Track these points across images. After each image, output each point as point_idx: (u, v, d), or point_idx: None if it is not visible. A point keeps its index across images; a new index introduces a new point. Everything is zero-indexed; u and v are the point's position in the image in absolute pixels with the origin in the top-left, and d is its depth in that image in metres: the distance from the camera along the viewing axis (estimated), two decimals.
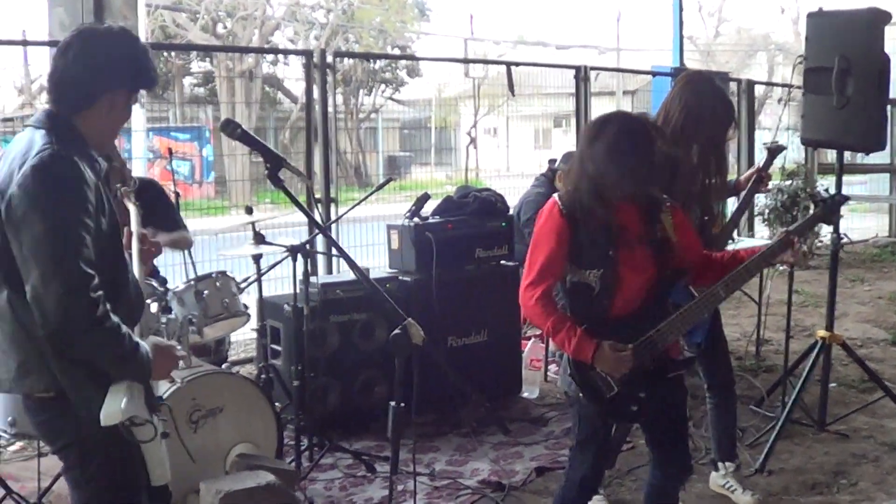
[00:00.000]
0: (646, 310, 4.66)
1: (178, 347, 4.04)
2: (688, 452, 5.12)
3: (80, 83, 3.78)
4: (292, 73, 40.25)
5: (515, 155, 27.64)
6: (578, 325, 4.55)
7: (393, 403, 4.16)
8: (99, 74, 3.79)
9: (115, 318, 3.55)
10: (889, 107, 16.93)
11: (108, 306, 3.54)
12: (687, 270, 4.86)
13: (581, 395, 4.65)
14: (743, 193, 6.39)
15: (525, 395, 8.63)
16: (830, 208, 5.20)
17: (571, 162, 4.81)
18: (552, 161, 10.22)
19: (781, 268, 7.47)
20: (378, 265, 8.80)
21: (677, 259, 4.76)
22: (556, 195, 4.70)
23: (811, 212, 5.37)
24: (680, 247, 4.75)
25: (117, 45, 3.84)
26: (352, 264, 4.41)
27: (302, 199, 9.22)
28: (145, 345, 3.71)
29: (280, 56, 37.60)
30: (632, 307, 4.64)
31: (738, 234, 7.92)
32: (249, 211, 7.13)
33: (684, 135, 5.69)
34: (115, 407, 3.59)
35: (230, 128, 4.02)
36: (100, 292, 3.51)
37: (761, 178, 6.25)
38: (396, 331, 4.04)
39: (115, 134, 4.10)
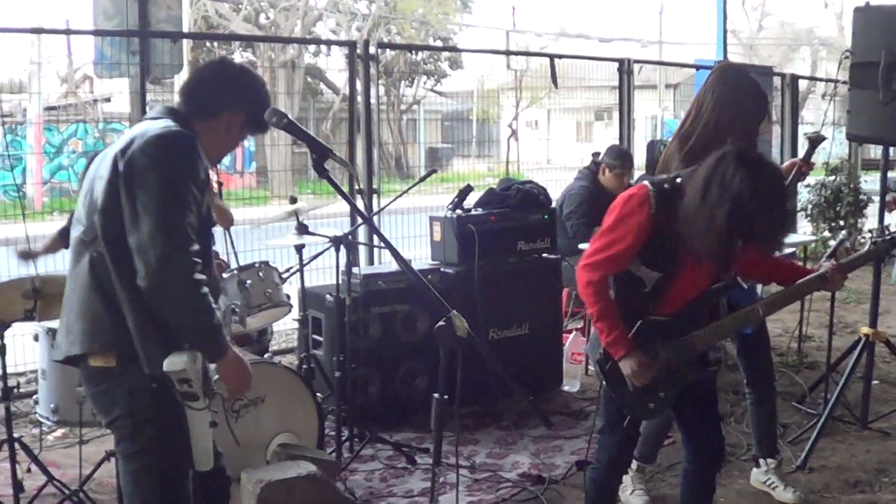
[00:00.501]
0: (686, 314, 4.64)
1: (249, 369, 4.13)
2: (720, 436, 5.06)
3: (210, 92, 4.09)
4: (334, 64, 40.31)
5: (556, 147, 27.58)
6: (621, 317, 4.54)
7: (437, 395, 4.15)
8: (229, 91, 4.10)
9: (206, 289, 3.74)
10: None
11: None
12: (740, 272, 4.85)
13: (604, 382, 4.67)
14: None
15: (566, 388, 8.62)
16: (884, 250, 5.19)
17: (703, 174, 4.40)
18: (595, 154, 10.20)
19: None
20: (418, 257, 8.79)
21: (742, 264, 4.77)
22: (648, 183, 4.51)
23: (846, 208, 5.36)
24: (744, 255, 4.68)
25: (250, 75, 4.30)
26: (396, 255, 4.41)
27: (345, 189, 9.27)
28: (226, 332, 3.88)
29: (322, 47, 37.62)
30: (673, 311, 4.62)
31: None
32: (294, 201, 7.15)
33: (718, 129, 5.60)
34: (179, 358, 3.73)
35: (277, 117, 4.03)
36: (199, 259, 3.72)
37: (801, 167, 6.23)
38: (441, 323, 4.03)
39: (223, 155, 4.34)
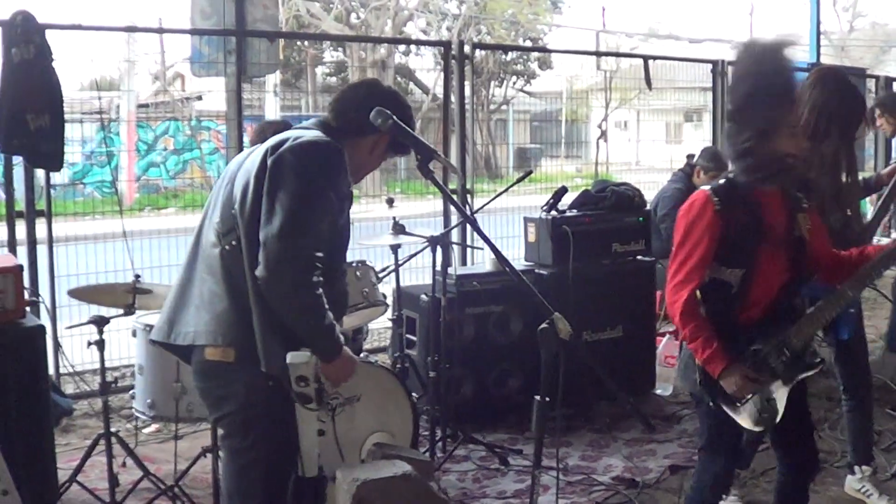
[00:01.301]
0: (776, 312, 4.61)
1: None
2: (814, 448, 5.02)
3: (359, 112, 4.15)
4: (424, 64, 40.45)
5: (645, 149, 27.45)
6: (715, 332, 4.49)
7: (538, 398, 4.15)
8: (366, 119, 4.11)
9: (322, 292, 3.80)
10: None
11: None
12: (817, 272, 4.80)
13: (712, 403, 4.61)
14: (887, 189, 6.25)
15: (658, 391, 8.59)
16: None
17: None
18: (690, 156, 10.15)
19: None
20: (510, 257, 8.78)
21: (810, 261, 4.72)
22: (707, 188, 4.57)
23: None
24: (813, 249, 4.70)
25: (400, 97, 4.43)
26: (500, 256, 4.43)
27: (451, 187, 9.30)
28: (342, 336, 3.96)
29: (412, 47, 37.74)
30: (763, 308, 4.58)
31: (883, 233, 7.75)
32: (391, 202, 7.19)
33: (815, 133, 5.57)
34: (303, 355, 3.82)
35: (382, 118, 4.05)
36: (319, 264, 3.79)
37: None
38: (544, 325, 4.04)
39: (363, 174, 4.43)
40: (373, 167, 4.41)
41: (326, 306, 3.83)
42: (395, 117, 4.09)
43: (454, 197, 9.38)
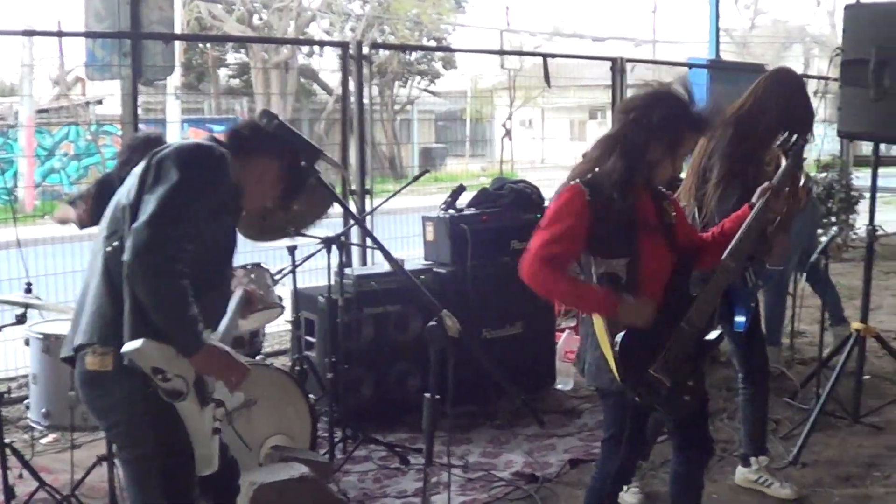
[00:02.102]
0: (671, 298, 4.66)
1: (243, 363, 4.09)
2: (708, 433, 5.12)
3: (252, 133, 4.13)
4: (327, 65, 40.35)
5: (550, 147, 27.63)
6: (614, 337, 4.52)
7: (428, 395, 4.16)
8: (268, 138, 4.10)
9: (187, 283, 3.73)
10: None
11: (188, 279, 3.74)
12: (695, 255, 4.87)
13: (637, 397, 4.63)
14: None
15: (559, 386, 8.63)
16: (795, 152, 5.14)
17: (598, 148, 4.75)
18: (584, 155, 10.22)
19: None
20: (412, 257, 8.80)
21: (683, 246, 4.79)
22: (578, 180, 4.59)
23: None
24: (681, 235, 4.79)
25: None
26: (388, 256, 4.42)
27: (338, 190, 9.26)
28: (207, 333, 3.86)
29: (315, 47, 37.66)
30: (656, 295, 4.62)
31: None
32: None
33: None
34: (133, 343, 3.72)
35: (267, 119, 4.04)
36: (186, 257, 3.72)
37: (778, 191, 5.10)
38: (432, 322, 4.05)
39: (254, 201, 4.25)
40: (263, 195, 4.24)
41: (190, 299, 3.74)
42: (279, 118, 4.07)
43: (349, 198, 9.47)
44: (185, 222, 3.73)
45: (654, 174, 4.61)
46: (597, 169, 4.61)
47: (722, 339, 5.11)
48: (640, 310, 4.53)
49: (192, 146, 3.94)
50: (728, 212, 5.25)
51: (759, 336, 6.40)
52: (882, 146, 7.90)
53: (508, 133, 25.85)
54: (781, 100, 5.93)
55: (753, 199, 4.83)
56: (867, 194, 7.68)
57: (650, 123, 4.49)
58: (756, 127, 5.91)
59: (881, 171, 7.78)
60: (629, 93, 13.31)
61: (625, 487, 6.20)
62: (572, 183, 4.60)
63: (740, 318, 5.88)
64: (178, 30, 15.54)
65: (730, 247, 4.73)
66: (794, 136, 5.07)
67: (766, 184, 4.86)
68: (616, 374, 4.58)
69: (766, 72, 6.44)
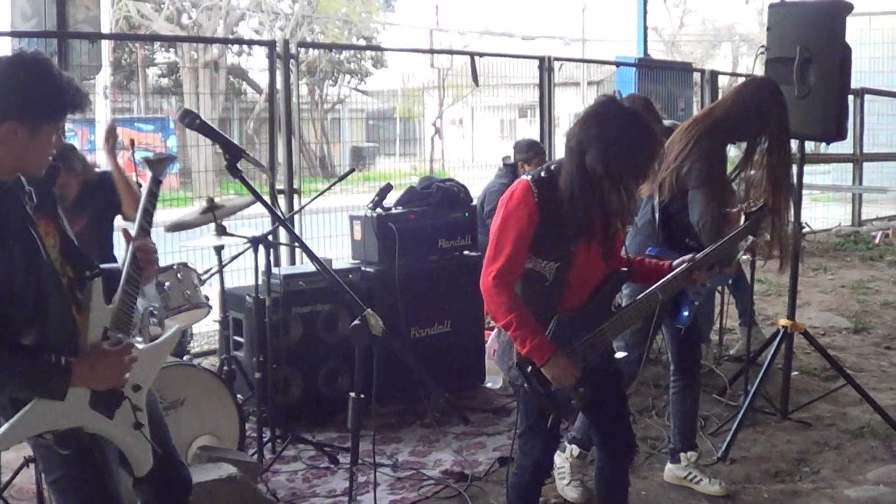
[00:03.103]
0: (592, 307, 4.67)
1: (134, 347, 3.96)
2: (630, 430, 5.13)
3: None
4: (257, 64, 40.15)
5: (481, 145, 27.66)
6: (536, 322, 4.53)
7: (353, 394, 4.14)
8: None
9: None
10: (851, 97, 17.10)
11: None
12: (629, 271, 4.88)
13: (525, 386, 4.63)
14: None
15: (488, 385, 8.63)
16: (754, 221, 5.30)
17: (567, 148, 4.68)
18: (506, 158, 10.28)
19: (744, 256, 7.50)
20: (342, 256, 8.77)
21: (618, 259, 4.83)
22: (527, 177, 4.56)
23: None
24: (619, 247, 4.83)
25: (11, 74, 3.69)
26: (311, 255, 4.39)
27: (264, 190, 9.20)
28: (64, 359, 3.69)
29: (245, 46, 37.47)
30: (579, 302, 4.64)
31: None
32: (211, 202, 7.07)
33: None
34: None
35: (189, 118, 3.99)
36: None
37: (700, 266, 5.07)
38: (356, 322, 4.03)
39: (35, 163, 3.84)
40: (37, 153, 3.79)
41: (14, 360, 3.64)
42: (201, 117, 4.02)
43: (276, 197, 9.43)
44: None
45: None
46: (552, 167, 4.58)
47: (630, 360, 5.17)
48: (563, 374, 4.55)
49: None
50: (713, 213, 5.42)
51: (695, 330, 6.44)
52: (811, 143, 7.97)
53: (439, 132, 25.89)
54: (765, 109, 6.01)
55: (674, 263, 4.89)
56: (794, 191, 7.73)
57: (605, 155, 4.36)
58: (738, 132, 6.02)
59: (808, 168, 7.85)
60: (558, 91, 13.38)
61: (567, 479, 6.24)
62: (523, 178, 4.58)
63: (685, 314, 5.94)
64: (106, 29, 15.44)
65: (662, 282, 4.81)
66: (761, 205, 5.19)
67: (689, 256, 4.92)
68: (514, 360, 4.59)
69: (695, 69, 6.55)
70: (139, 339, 4.21)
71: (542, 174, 4.55)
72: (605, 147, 4.33)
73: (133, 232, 4.06)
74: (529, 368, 4.56)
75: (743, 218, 5.38)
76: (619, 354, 4.94)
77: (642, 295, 4.79)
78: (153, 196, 4.11)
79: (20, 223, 3.72)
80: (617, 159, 4.33)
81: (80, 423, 3.78)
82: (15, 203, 3.74)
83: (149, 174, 4.13)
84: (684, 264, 4.86)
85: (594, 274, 4.68)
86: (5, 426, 3.68)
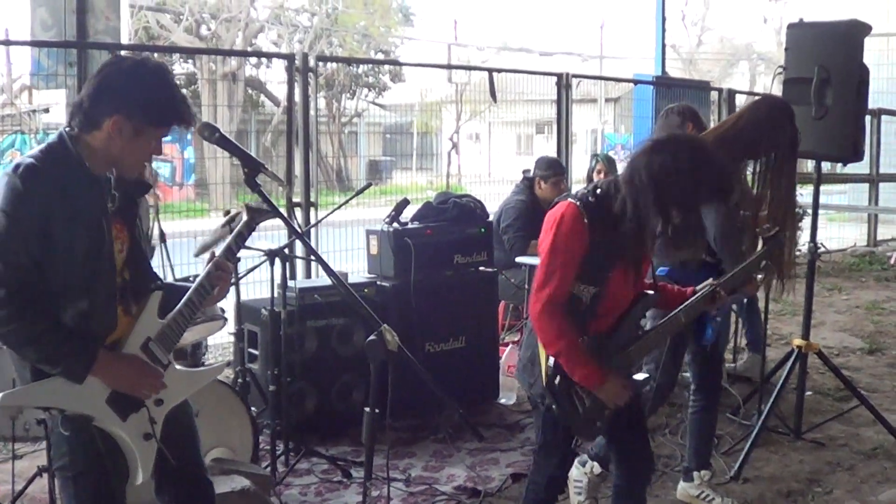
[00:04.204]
0: (619, 329, 4.69)
1: (167, 372, 4.09)
2: (649, 449, 5.14)
3: (91, 101, 3.86)
4: (275, 77, 40.27)
5: (497, 161, 27.68)
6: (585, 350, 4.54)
7: (367, 409, 4.15)
8: (103, 97, 3.86)
9: (38, 319, 3.70)
10: (868, 117, 17.08)
11: (20, 300, 3.67)
12: (655, 294, 4.91)
13: (555, 406, 4.63)
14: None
15: (502, 401, 8.63)
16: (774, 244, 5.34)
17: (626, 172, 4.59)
18: (526, 171, 10.29)
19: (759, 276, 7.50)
20: (358, 270, 8.78)
21: (643, 284, 4.86)
22: (575, 200, 4.52)
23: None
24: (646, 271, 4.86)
25: (132, 73, 3.90)
26: (327, 269, 4.41)
27: (281, 203, 9.22)
28: (92, 345, 3.82)
29: (263, 59, 37.56)
30: (607, 325, 4.66)
31: None
32: (227, 214, 7.08)
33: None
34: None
35: (208, 131, 4.00)
36: (32, 290, 3.68)
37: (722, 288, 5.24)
38: (371, 337, 4.04)
39: (131, 163, 4.02)
40: (136, 154, 3.98)
41: (49, 334, 3.73)
42: (221, 130, 4.04)
43: (294, 210, 9.45)
44: (14, 262, 3.66)
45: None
46: (599, 191, 4.56)
47: (647, 384, 5.19)
48: (619, 394, 4.60)
49: (2, 181, 3.76)
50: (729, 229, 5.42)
51: (719, 349, 6.46)
52: (827, 164, 7.97)
53: (455, 147, 25.87)
54: (775, 128, 6.02)
55: (697, 288, 4.91)
56: (811, 211, 7.74)
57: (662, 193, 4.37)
58: (747, 149, 6.03)
59: (825, 188, 7.85)
60: (575, 108, 13.39)
61: (583, 498, 6.23)
62: (570, 202, 4.53)
63: (709, 332, 5.94)
64: (125, 39, 15.44)
65: (684, 307, 4.85)
66: (776, 230, 5.21)
67: (710, 280, 4.96)
68: (543, 375, 4.60)
69: (712, 88, 6.59)
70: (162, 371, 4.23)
71: (591, 198, 4.50)
72: (672, 180, 4.33)
73: (218, 252, 4.25)
74: (558, 385, 4.57)
75: (760, 243, 5.39)
76: (639, 376, 4.93)
77: (666, 318, 4.83)
78: (242, 238, 4.33)
79: (96, 213, 3.87)
80: (681, 193, 4.35)
81: (92, 413, 3.84)
82: (98, 195, 3.91)
83: (245, 218, 4.30)
84: (706, 288, 4.88)
85: (625, 298, 4.71)
86: (20, 388, 3.81)
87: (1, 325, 3.66)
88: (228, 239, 4.29)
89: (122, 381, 3.91)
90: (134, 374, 3.95)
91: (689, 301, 4.85)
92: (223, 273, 4.23)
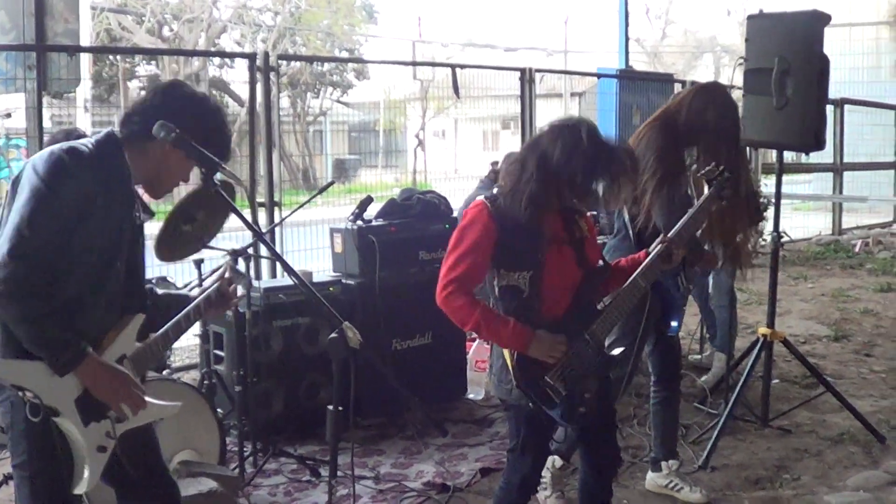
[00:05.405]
0: (575, 310, 4.69)
1: (143, 395, 4.05)
2: (615, 444, 5.16)
3: (144, 116, 3.95)
4: (238, 77, 40.15)
5: (464, 157, 27.68)
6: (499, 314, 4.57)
7: (331, 407, 4.15)
8: (169, 118, 3.92)
9: (47, 303, 3.67)
10: (832, 107, 17.19)
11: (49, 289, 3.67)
12: (605, 266, 4.94)
13: (532, 405, 4.64)
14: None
15: (470, 396, 8.64)
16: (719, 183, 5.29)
17: (511, 163, 4.78)
18: (494, 163, 10.27)
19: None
20: (324, 269, 8.77)
21: (593, 262, 4.85)
22: (482, 197, 4.68)
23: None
24: (590, 252, 4.85)
25: (196, 99, 4.08)
26: (288, 269, 4.41)
27: (243, 204, 9.18)
28: (85, 345, 3.79)
29: (226, 59, 37.42)
30: (561, 308, 4.67)
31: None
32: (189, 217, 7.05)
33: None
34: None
35: (164, 131, 3.97)
36: (48, 271, 3.65)
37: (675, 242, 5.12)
38: (333, 335, 4.03)
39: (167, 184, 4.14)
40: (175, 177, 4.14)
41: (52, 319, 3.70)
42: (177, 130, 4.01)
43: (257, 210, 9.41)
44: (38, 237, 3.64)
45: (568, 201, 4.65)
46: (502, 183, 4.67)
47: (626, 356, 5.19)
48: (551, 346, 4.58)
49: (46, 155, 3.78)
50: (674, 212, 5.38)
51: (677, 340, 6.47)
52: (792, 153, 7.99)
53: (421, 143, 25.89)
54: (711, 111, 6.01)
55: (651, 248, 4.92)
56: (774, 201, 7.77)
57: (552, 160, 4.52)
58: (687, 132, 6.02)
59: (790, 178, 7.89)
60: (540, 102, 13.39)
61: (550, 491, 6.24)
62: (477, 199, 4.68)
63: (674, 323, 5.97)
64: (87, 41, 15.33)
65: (642, 268, 4.83)
66: (721, 169, 5.18)
67: (662, 236, 4.95)
68: (513, 382, 4.60)
69: (676, 80, 6.60)
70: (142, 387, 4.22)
71: (496, 191, 4.67)
72: (551, 154, 4.50)
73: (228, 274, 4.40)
74: (532, 385, 4.59)
75: (706, 186, 5.34)
76: (616, 351, 4.94)
77: (625, 285, 4.80)
78: (209, 300, 4.38)
79: (126, 219, 3.97)
80: (560, 163, 4.48)
81: (59, 406, 3.80)
82: (132, 202, 4.00)
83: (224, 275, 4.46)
84: (659, 247, 4.88)
85: (571, 279, 4.72)
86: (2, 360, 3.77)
87: (6, 286, 3.59)
88: (199, 298, 4.34)
89: (104, 391, 3.88)
90: (119, 386, 3.92)
91: (645, 263, 4.85)
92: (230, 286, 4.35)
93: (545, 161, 4.51)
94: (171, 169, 4.06)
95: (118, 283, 3.98)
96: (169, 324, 4.19)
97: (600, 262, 4.92)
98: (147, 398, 4.08)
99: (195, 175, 4.18)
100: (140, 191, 4.11)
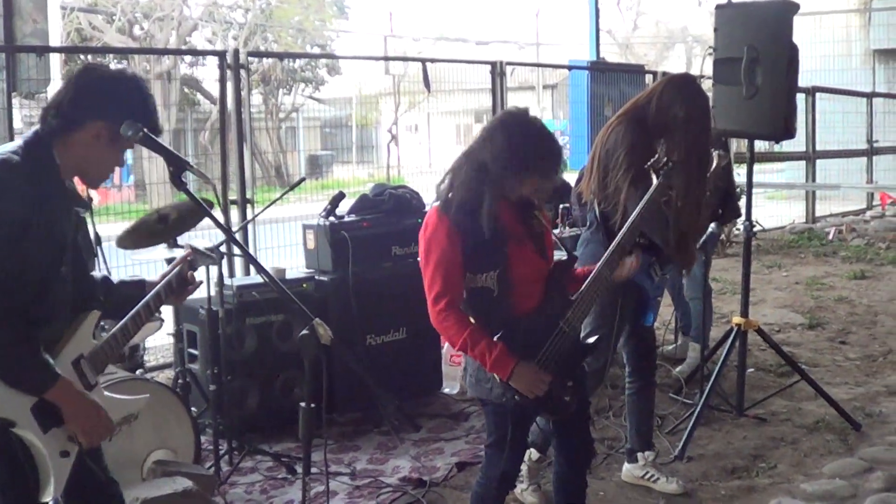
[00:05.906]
0: (548, 302, 4.68)
1: (112, 423, 4.01)
2: (589, 435, 5.17)
3: (71, 104, 3.83)
4: (210, 74, 39.99)
5: (437, 151, 27.64)
6: (491, 336, 4.53)
7: (303, 404, 4.13)
8: (85, 101, 3.84)
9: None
10: (803, 96, 17.22)
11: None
12: (574, 261, 4.96)
13: (517, 397, 4.62)
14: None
15: (446, 390, 8.64)
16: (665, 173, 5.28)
17: (448, 171, 4.76)
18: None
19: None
20: (298, 265, 8.74)
21: (550, 255, 4.87)
22: (435, 203, 4.66)
23: None
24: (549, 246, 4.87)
25: (110, 79, 3.92)
26: (258, 267, 4.37)
27: (213, 199, 9.14)
28: (56, 371, 3.74)
29: (198, 57, 37.32)
30: (534, 300, 4.66)
31: None
32: (162, 216, 7.02)
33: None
34: None
35: (133, 130, 3.93)
36: (8, 294, 3.57)
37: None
38: (304, 331, 4.01)
39: (104, 168, 4.03)
40: (105, 165, 4.00)
41: (22, 342, 3.65)
42: (145, 129, 3.97)
43: (230, 208, 9.37)
44: None
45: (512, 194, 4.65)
46: (453, 185, 4.64)
47: (601, 343, 5.20)
48: (533, 382, 4.57)
49: None
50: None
51: (649, 334, 6.47)
52: (765, 142, 8.01)
53: (394, 138, 25.83)
54: (680, 105, 5.99)
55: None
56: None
57: (493, 152, 4.55)
58: (656, 126, 6.00)
59: (763, 167, 7.92)
60: (513, 95, 13.39)
61: (526, 484, 6.24)
62: (433, 206, 4.66)
63: (650, 316, 6.00)
64: (57, 41, 15.29)
65: (605, 258, 4.85)
66: (665, 159, 5.16)
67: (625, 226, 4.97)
68: (496, 380, 4.59)
69: (647, 71, 6.58)
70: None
71: (448, 195, 4.62)
72: (493, 150, 4.54)
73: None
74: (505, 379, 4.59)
75: (654, 176, 5.32)
76: (591, 340, 4.95)
77: (592, 274, 4.80)
78: (169, 287, 4.26)
79: (66, 222, 3.89)
80: (501, 158, 4.51)
81: (14, 417, 3.72)
82: (68, 204, 3.91)
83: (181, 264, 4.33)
84: (621, 230, 4.90)
85: (537, 272, 4.72)
86: None
87: None
88: (159, 286, 4.24)
89: (76, 420, 3.83)
90: (93, 415, 3.87)
91: (607, 254, 4.86)
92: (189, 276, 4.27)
93: (480, 163, 4.56)
94: (97, 158, 3.92)
95: (66, 284, 3.91)
96: (127, 316, 4.11)
97: (565, 255, 4.92)
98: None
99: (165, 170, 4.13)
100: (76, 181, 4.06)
